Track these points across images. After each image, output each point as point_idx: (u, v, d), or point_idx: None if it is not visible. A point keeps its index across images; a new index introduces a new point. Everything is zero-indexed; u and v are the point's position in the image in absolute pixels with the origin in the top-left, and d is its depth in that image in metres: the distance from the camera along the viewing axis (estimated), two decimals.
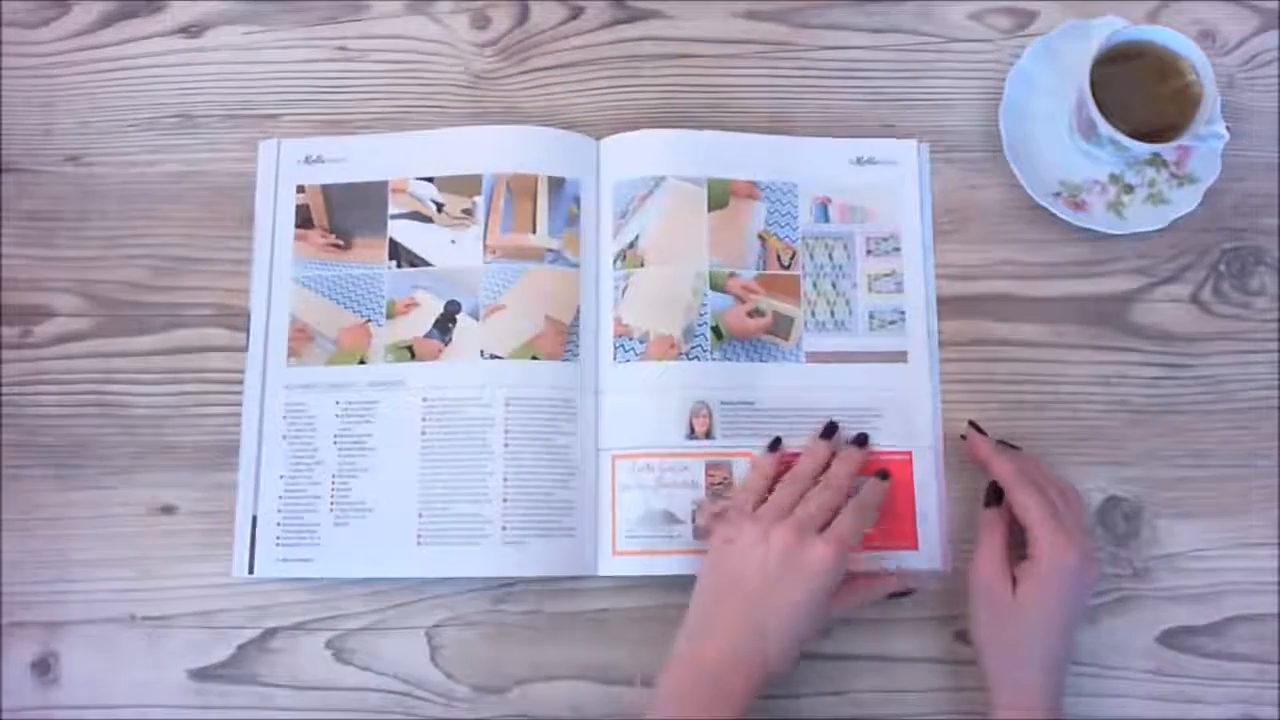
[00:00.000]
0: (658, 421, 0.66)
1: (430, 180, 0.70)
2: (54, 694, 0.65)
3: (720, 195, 0.69)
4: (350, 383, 0.67)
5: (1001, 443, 0.66)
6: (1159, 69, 0.67)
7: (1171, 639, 0.65)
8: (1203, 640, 0.65)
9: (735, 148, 0.70)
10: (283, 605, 0.66)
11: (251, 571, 0.65)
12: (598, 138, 0.70)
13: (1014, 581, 0.59)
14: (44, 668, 0.65)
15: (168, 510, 0.67)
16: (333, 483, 0.66)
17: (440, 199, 0.69)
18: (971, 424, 0.66)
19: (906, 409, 0.67)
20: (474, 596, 0.66)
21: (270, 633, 0.66)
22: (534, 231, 0.68)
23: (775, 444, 0.65)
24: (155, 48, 0.74)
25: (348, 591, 0.66)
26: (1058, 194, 0.69)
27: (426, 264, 0.69)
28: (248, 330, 0.68)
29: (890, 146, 0.71)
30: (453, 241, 0.69)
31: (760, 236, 0.69)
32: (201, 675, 0.65)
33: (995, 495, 0.63)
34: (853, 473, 0.63)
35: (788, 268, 0.69)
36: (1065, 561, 0.58)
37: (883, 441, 0.66)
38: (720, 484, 0.65)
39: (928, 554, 0.64)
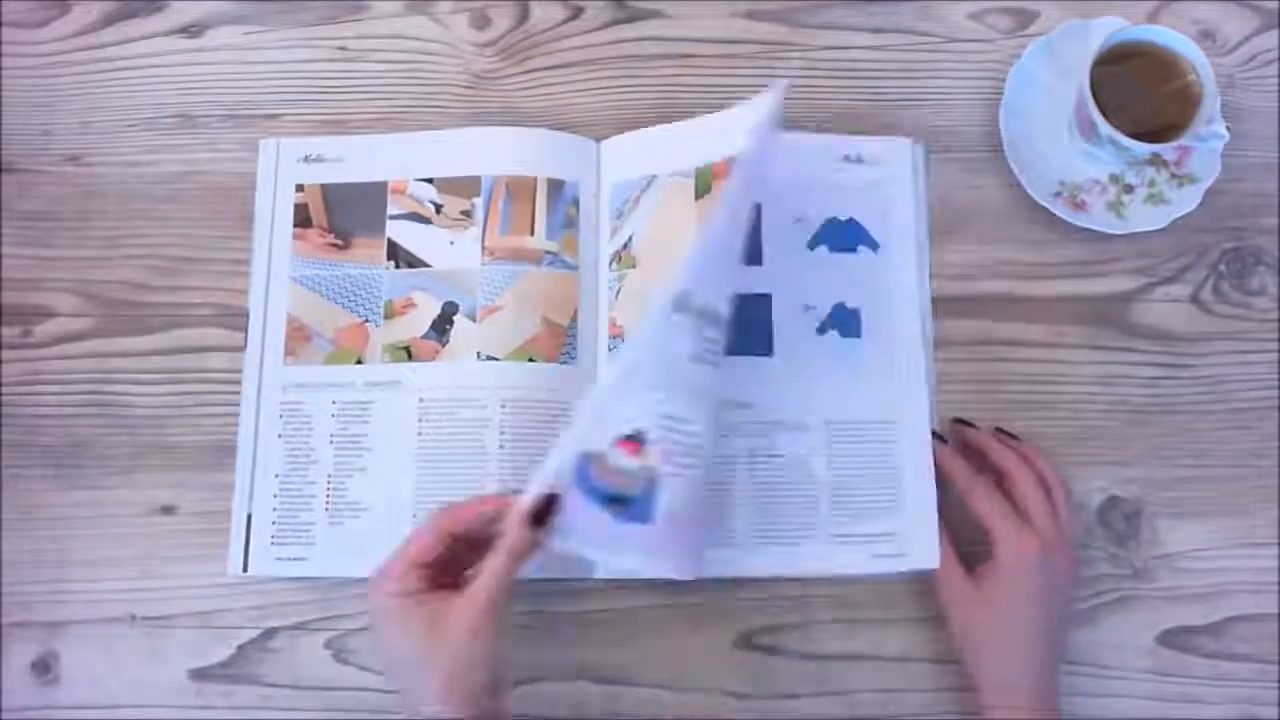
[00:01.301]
0: None
1: (430, 181, 0.70)
2: (54, 694, 0.65)
3: (705, 182, 0.68)
4: (347, 382, 0.67)
5: (1000, 430, 0.66)
6: (1159, 69, 0.67)
7: (1171, 639, 0.65)
8: (1203, 640, 0.65)
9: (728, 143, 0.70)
10: (283, 605, 0.66)
11: (246, 570, 0.65)
12: (598, 138, 0.70)
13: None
14: (44, 668, 0.65)
15: (168, 510, 0.67)
16: (328, 482, 0.66)
17: (439, 200, 0.69)
18: (958, 420, 0.67)
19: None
20: None
21: (270, 633, 0.66)
22: (532, 234, 0.68)
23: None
24: (155, 48, 0.74)
25: (348, 591, 0.66)
26: (1058, 194, 0.69)
27: (425, 265, 0.69)
28: (246, 330, 0.68)
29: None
30: (451, 243, 0.69)
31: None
32: (201, 675, 0.65)
33: None
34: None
35: None
36: (1025, 558, 0.59)
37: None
38: None
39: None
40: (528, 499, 0.53)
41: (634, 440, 0.55)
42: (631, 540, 0.55)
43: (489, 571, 0.51)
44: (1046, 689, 0.59)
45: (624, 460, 0.55)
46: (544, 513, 0.53)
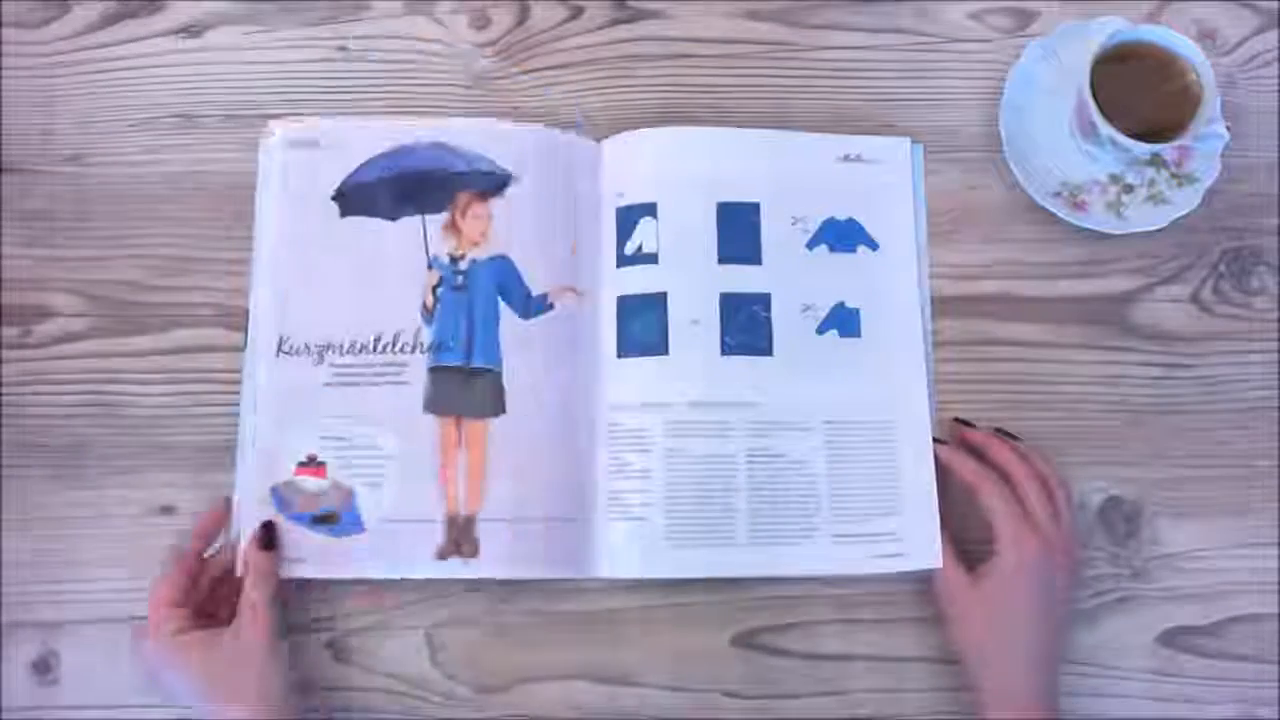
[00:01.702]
0: None
1: None
2: (54, 694, 0.65)
3: None
4: None
5: (999, 430, 0.66)
6: (1159, 69, 0.67)
7: (1171, 639, 0.65)
8: (1203, 640, 0.65)
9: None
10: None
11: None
12: (598, 138, 0.70)
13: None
14: (44, 668, 0.65)
15: (167, 510, 0.67)
16: None
17: None
18: (958, 420, 0.67)
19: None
20: (474, 596, 0.66)
21: None
22: None
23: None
24: (155, 48, 0.74)
25: (348, 591, 0.66)
26: (1058, 194, 0.69)
27: None
28: (245, 330, 0.68)
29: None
30: None
31: None
32: None
33: None
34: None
35: None
36: (1025, 555, 0.59)
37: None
38: None
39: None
40: (251, 531, 0.61)
41: (312, 465, 0.64)
42: (355, 552, 0.63)
43: (248, 602, 0.59)
44: (1047, 689, 0.59)
45: (311, 483, 0.64)
46: (268, 538, 0.61)
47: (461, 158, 0.68)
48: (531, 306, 0.66)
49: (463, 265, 0.67)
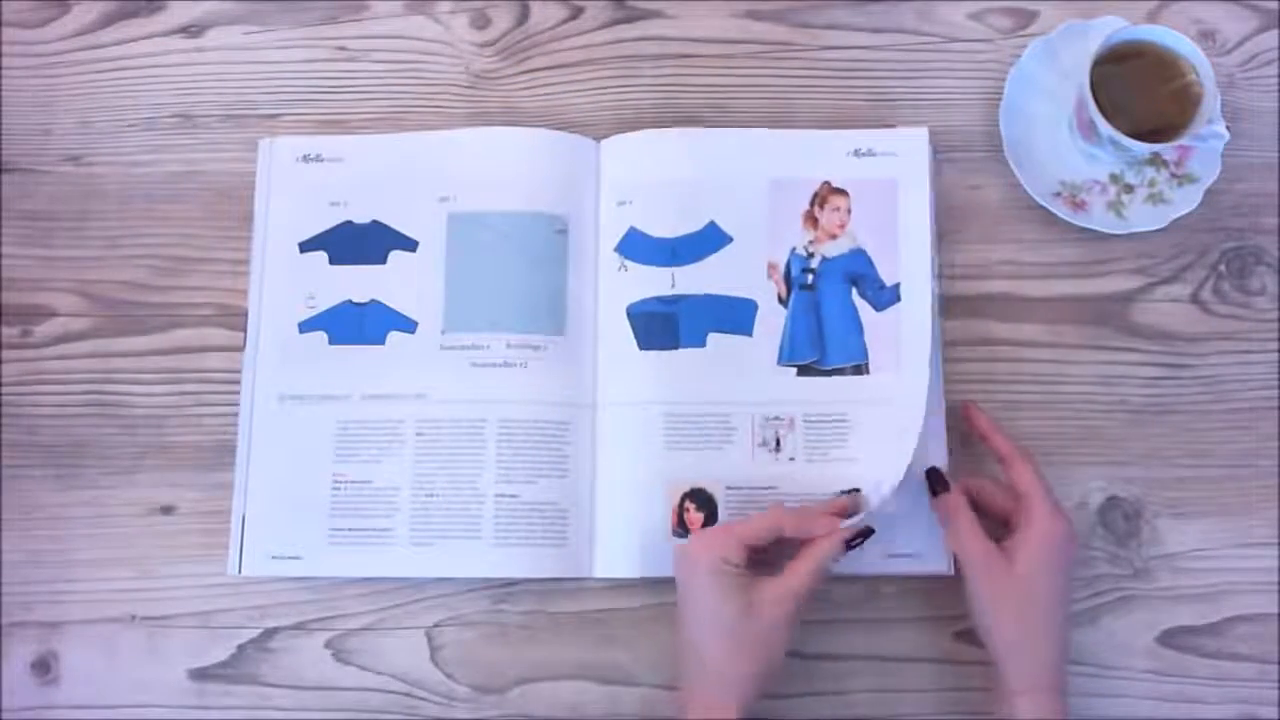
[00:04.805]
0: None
1: None
2: (54, 694, 0.65)
3: None
4: None
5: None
6: (1159, 69, 0.67)
7: (1171, 639, 0.65)
8: (1203, 640, 0.65)
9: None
10: (283, 605, 0.66)
11: (242, 570, 0.65)
12: (598, 138, 0.70)
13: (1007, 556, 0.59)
14: (44, 668, 0.65)
15: (167, 510, 0.67)
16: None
17: None
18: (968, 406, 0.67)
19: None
20: (474, 596, 0.66)
21: (270, 633, 0.66)
22: None
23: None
24: (155, 48, 0.74)
25: (348, 591, 0.66)
26: (1058, 194, 0.69)
27: None
28: (245, 330, 0.68)
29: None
30: None
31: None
32: (201, 675, 0.65)
33: (942, 482, 0.63)
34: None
35: None
36: (1057, 530, 0.59)
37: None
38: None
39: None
40: (850, 525, 0.60)
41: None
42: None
43: (803, 572, 0.58)
44: (1063, 664, 0.59)
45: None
46: (858, 540, 0.60)
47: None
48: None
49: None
